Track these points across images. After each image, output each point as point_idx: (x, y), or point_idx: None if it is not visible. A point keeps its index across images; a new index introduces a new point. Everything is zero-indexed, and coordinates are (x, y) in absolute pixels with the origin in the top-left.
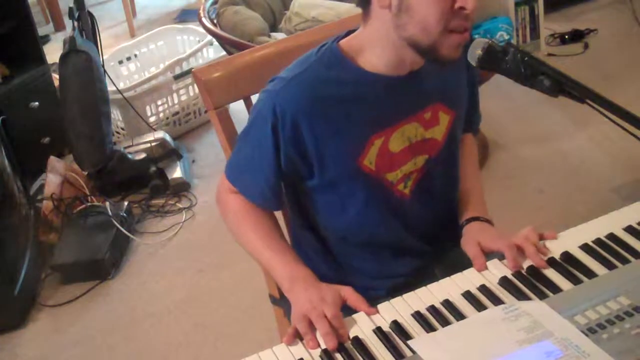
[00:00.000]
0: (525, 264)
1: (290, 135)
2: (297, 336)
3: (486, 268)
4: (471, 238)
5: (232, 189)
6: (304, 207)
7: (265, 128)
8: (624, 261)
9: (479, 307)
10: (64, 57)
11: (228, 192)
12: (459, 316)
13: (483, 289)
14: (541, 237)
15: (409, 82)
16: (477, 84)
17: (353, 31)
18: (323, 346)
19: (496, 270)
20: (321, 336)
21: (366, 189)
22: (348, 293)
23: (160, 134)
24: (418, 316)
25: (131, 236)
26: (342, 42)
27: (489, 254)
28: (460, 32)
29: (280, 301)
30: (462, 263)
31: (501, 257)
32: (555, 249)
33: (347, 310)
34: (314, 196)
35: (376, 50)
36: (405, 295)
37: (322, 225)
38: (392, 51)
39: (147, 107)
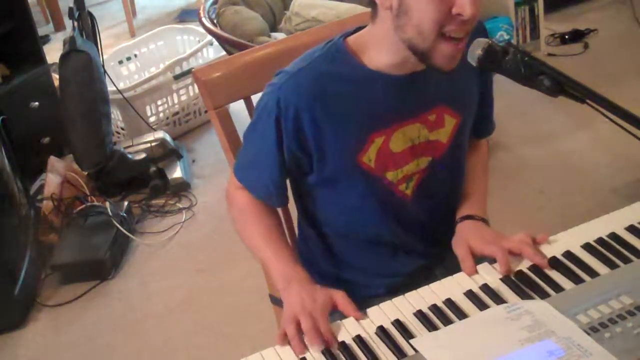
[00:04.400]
0: (526, 264)
1: (292, 128)
2: (287, 340)
3: (476, 272)
4: (462, 238)
5: (239, 185)
6: (306, 204)
7: (269, 121)
8: (626, 260)
9: (481, 306)
10: (64, 57)
11: (236, 189)
12: (461, 315)
13: (485, 288)
14: (534, 242)
15: (412, 83)
16: (491, 91)
17: (362, 27)
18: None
19: (497, 271)
20: (304, 332)
21: (365, 186)
22: (339, 297)
23: (160, 134)
24: (420, 315)
25: (131, 236)
26: (350, 38)
27: (480, 258)
28: (455, 40)
29: (280, 301)
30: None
31: (493, 260)
32: (558, 248)
33: (341, 314)
34: (314, 193)
35: (380, 49)
36: (407, 295)
37: (324, 222)
38: (394, 52)
39: (147, 107)
